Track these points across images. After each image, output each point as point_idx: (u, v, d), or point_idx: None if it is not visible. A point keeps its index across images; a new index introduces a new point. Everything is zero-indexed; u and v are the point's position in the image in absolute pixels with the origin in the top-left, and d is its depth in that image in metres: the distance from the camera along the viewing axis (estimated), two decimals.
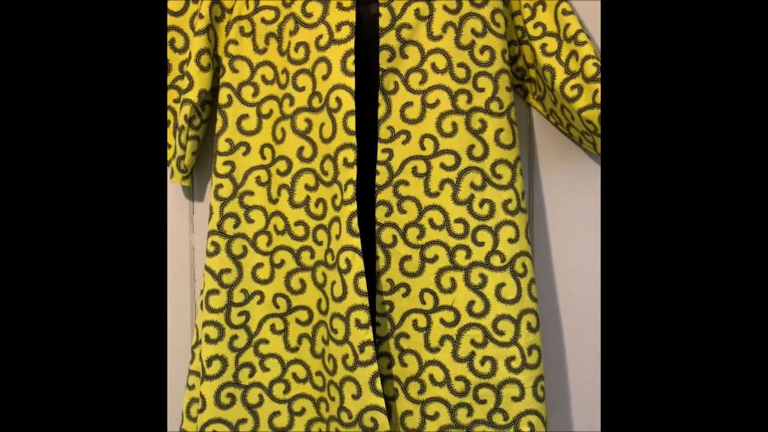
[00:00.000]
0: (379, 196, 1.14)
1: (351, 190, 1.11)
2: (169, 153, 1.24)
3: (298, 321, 1.18)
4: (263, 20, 1.19)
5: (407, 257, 1.14)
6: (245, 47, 1.19)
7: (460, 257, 1.14)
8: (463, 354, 1.14)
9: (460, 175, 1.14)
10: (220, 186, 1.18)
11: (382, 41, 1.14)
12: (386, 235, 1.14)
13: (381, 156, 1.14)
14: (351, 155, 1.12)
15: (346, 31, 1.13)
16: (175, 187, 1.30)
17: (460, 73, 1.15)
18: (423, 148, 1.14)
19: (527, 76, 1.25)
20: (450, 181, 1.14)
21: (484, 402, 1.14)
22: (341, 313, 1.11)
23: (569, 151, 1.27)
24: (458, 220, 1.14)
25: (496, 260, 1.14)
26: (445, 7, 1.15)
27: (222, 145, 1.18)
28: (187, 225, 1.31)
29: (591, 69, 1.14)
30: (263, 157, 1.19)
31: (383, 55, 1.14)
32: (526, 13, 1.20)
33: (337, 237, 1.12)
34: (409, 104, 1.14)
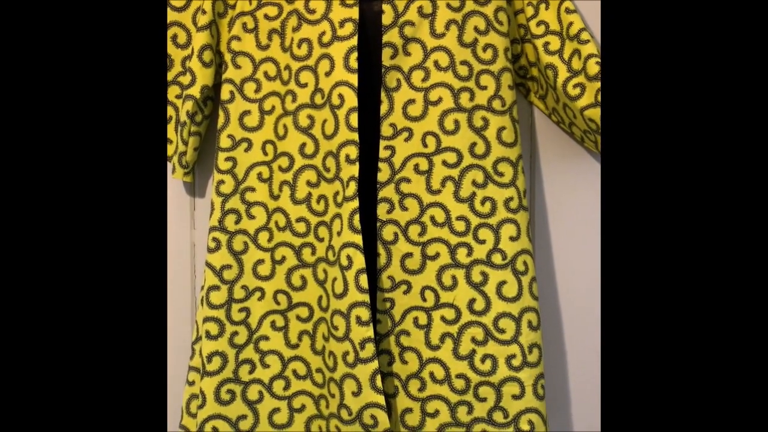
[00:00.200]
0: (381, 193, 1.14)
1: (353, 187, 1.11)
2: (171, 149, 1.24)
3: (298, 318, 1.18)
4: (266, 16, 1.19)
5: (408, 254, 1.14)
6: (248, 43, 1.19)
7: (462, 255, 1.14)
8: (464, 352, 1.14)
9: (462, 172, 1.14)
10: (221, 182, 1.18)
11: (385, 38, 1.14)
12: (387, 232, 1.14)
13: (383, 153, 1.14)
14: (353, 152, 1.12)
15: (349, 27, 1.13)
16: (176, 183, 1.30)
17: (463, 70, 1.15)
18: (425, 145, 1.14)
19: (529, 75, 1.25)
20: (452, 179, 1.14)
21: (484, 400, 1.13)
22: (342, 309, 1.11)
23: (571, 150, 1.27)
24: (460, 218, 1.14)
25: (497, 258, 1.14)
26: (448, 5, 1.15)
27: (224, 141, 1.18)
28: (188, 221, 1.31)
29: (594, 67, 1.14)
30: (265, 154, 1.19)
31: (386, 52, 1.14)
32: (529, 11, 1.20)
33: (339, 234, 1.12)
34: (411, 101, 1.14)
